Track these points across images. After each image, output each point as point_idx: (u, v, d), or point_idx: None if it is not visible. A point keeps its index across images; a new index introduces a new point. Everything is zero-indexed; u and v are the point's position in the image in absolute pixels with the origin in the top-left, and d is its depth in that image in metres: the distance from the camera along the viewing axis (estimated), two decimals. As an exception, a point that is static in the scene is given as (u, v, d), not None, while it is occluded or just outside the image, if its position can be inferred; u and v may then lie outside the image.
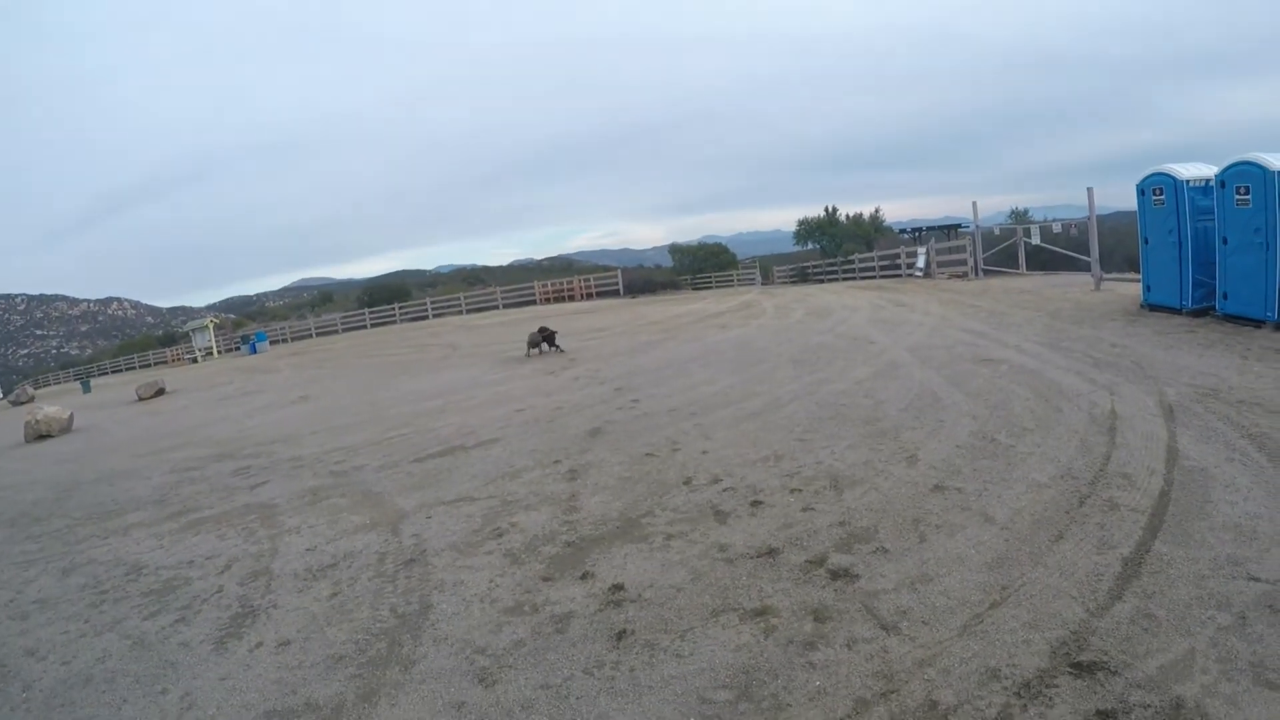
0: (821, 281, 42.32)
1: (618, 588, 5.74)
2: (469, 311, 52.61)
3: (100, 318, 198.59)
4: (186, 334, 64.30)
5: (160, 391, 28.67)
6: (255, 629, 5.96)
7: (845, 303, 24.58)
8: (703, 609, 5.26)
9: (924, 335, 15.52)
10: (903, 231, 50.98)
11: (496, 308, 52.51)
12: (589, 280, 55.25)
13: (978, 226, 29.69)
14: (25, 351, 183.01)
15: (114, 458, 15.14)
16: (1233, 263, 12.94)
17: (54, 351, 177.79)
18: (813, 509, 6.78)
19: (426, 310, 55.11)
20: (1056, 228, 24.62)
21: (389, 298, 63.84)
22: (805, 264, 50.44)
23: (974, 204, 29.69)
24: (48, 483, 13.39)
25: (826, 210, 62.06)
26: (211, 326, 60.22)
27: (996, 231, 30.29)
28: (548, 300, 52.06)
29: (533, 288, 54.70)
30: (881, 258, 38.81)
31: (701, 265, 58.93)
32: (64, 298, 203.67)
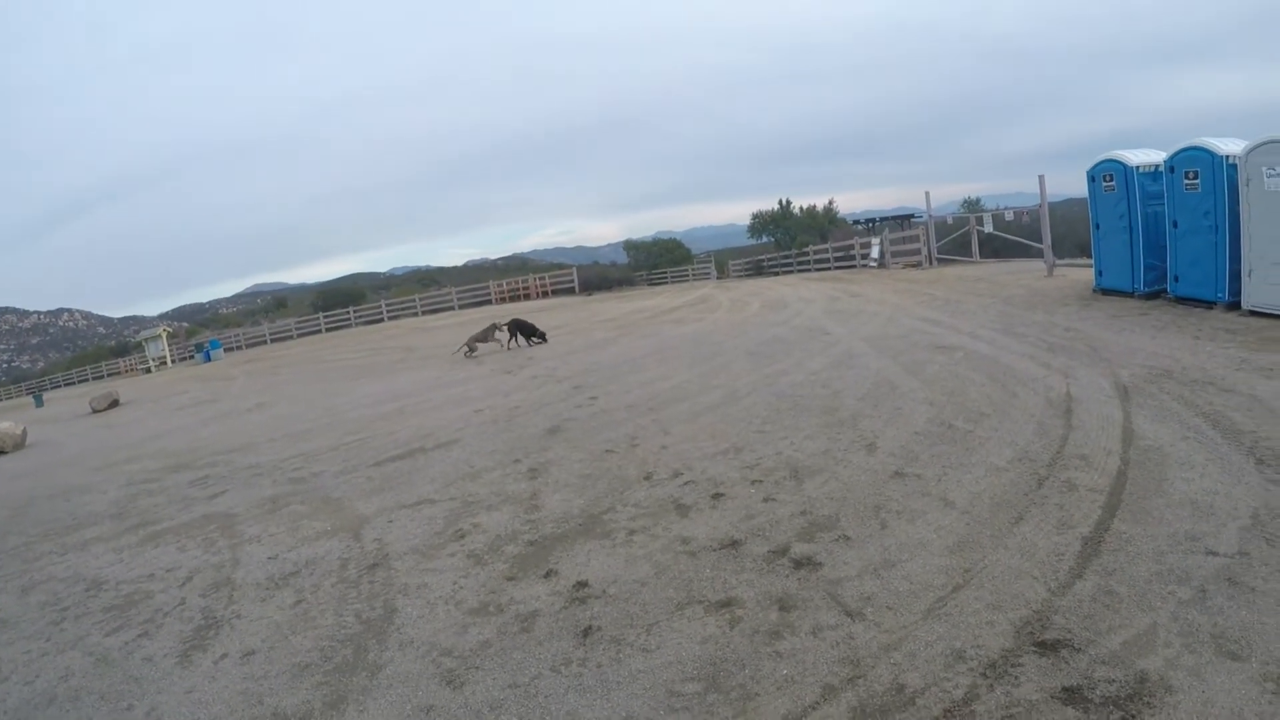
0: (777, 274, 42.51)
1: (582, 585, 5.73)
2: (425, 313, 52.55)
3: (51, 330, 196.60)
4: (139, 344, 63.70)
5: (114, 403, 28.40)
6: (219, 640, 5.89)
7: (800, 295, 24.70)
8: (668, 603, 5.27)
9: (879, 325, 15.62)
10: (857, 223, 51.21)
11: (452, 308, 52.48)
12: (544, 279, 55.34)
13: (931, 216, 29.93)
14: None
15: (70, 472, 14.95)
16: (1183, 246, 13.16)
17: (4, 365, 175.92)
18: (774, 499, 6.80)
19: (382, 313, 54.97)
20: (1009, 215, 24.81)
21: (344, 301, 63.63)
22: (760, 257, 50.59)
23: (926, 194, 29.91)
24: (2, 500, 13.20)
25: (780, 203, 62.29)
26: (165, 336, 59.67)
27: (949, 220, 30.53)
28: (503, 300, 52.08)
29: (488, 287, 54.65)
30: (836, 249, 39.02)
31: (656, 261, 59.08)
32: (13, 310, 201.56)
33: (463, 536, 7.13)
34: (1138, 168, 14.36)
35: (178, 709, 5.01)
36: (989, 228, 25.52)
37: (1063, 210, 32.03)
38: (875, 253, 32.70)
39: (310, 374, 26.38)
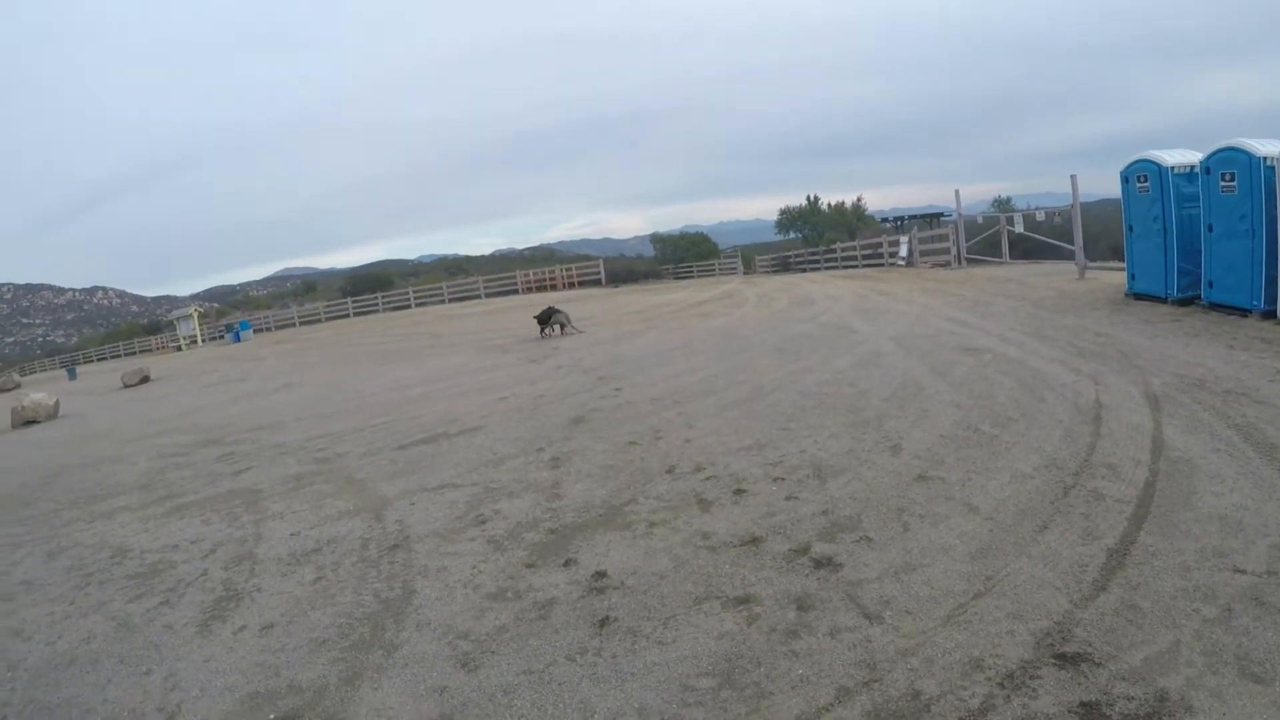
0: (804, 271, 42.42)
1: (600, 575, 5.73)
2: (451, 301, 52.70)
3: (86, 306, 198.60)
4: (171, 323, 64.24)
5: (145, 379, 28.55)
6: (239, 612, 5.93)
7: (828, 292, 24.63)
8: (686, 597, 5.26)
9: (907, 324, 15.55)
10: (885, 220, 51.18)
11: (479, 297, 52.56)
12: (571, 270, 55.37)
13: (960, 215, 29.73)
14: (11, 339, 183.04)
15: (99, 443, 15.07)
16: (1218, 250, 12.92)
17: (40, 339, 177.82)
18: (796, 498, 6.78)
19: (409, 299, 55.17)
20: (1040, 216, 24.62)
21: (372, 287, 63.87)
22: (787, 253, 50.52)
23: (956, 192, 29.74)
24: (33, 468, 13.32)
25: (809, 199, 62.36)
26: (196, 315, 60.07)
27: (979, 220, 30.34)
28: (529, 290, 52.09)
29: (515, 277, 54.72)
30: (864, 247, 38.92)
31: (683, 255, 59.05)
32: (50, 287, 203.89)
33: (483, 522, 7.14)
34: (1173, 168, 14.13)
35: (195, 676, 5.05)
36: (1020, 228, 25.35)
37: (1095, 211, 31.80)
38: (903, 251, 32.59)
39: (338, 357, 26.48)
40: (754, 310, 22.20)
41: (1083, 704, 3.77)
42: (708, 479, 7.58)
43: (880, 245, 36.36)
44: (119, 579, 7.01)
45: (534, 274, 55.38)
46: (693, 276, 51.26)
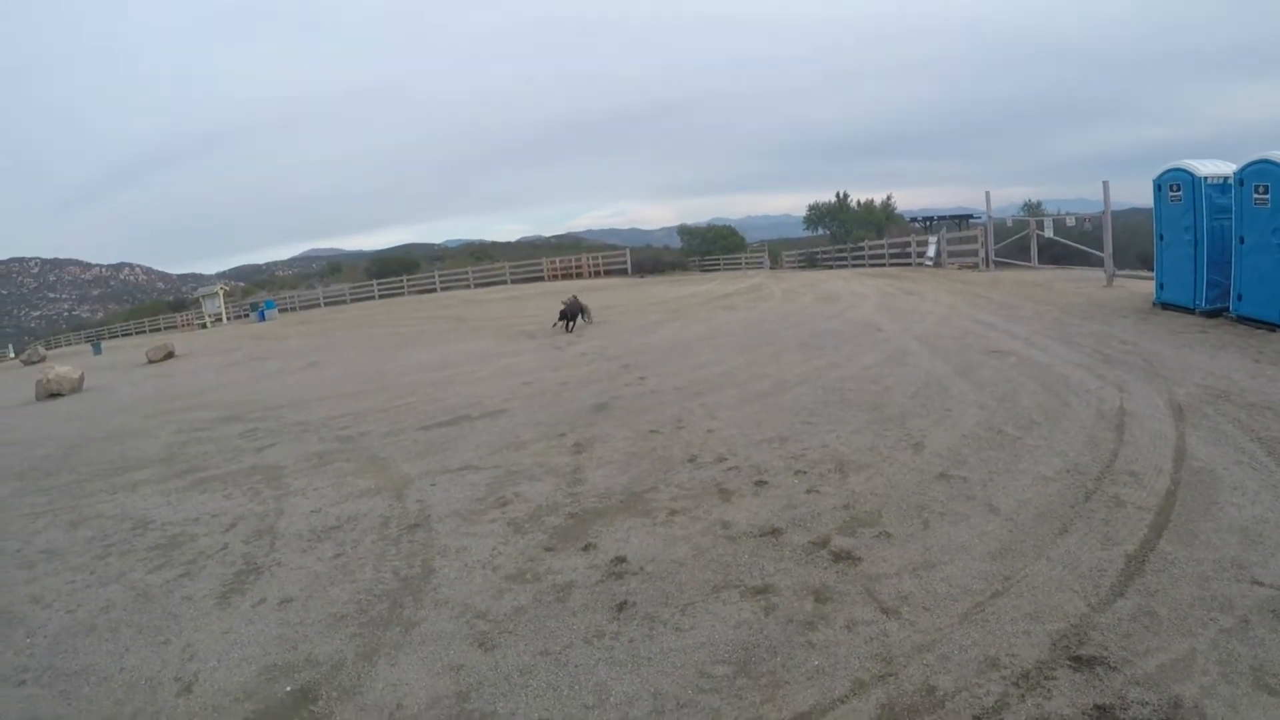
0: (830, 267, 42.26)
1: (620, 560, 5.76)
2: (476, 286, 52.68)
3: (112, 282, 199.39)
4: (197, 300, 64.42)
5: (170, 355, 28.69)
6: (258, 586, 5.99)
7: (854, 289, 24.56)
8: (704, 584, 5.28)
9: (933, 324, 15.49)
10: (914, 220, 50.89)
11: (504, 283, 52.53)
12: (597, 258, 55.23)
13: (990, 217, 29.58)
14: (37, 314, 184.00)
15: (123, 417, 15.19)
16: (1249, 263, 12.78)
17: (66, 314, 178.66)
18: (817, 491, 6.79)
19: (434, 283, 55.17)
20: (1070, 221, 24.48)
21: (397, 270, 63.98)
22: (814, 249, 50.39)
23: (987, 194, 29.52)
24: (58, 439, 13.43)
25: (838, 196, 62.08)
26: (221, 294, 60.31)
27: (1009, 223, 30.18)
28: (555, 277, 52.06)
29: (541, 264, 54.67)
30: (892, 245, 38.69)
31: (710, 247, 58.89)
32: (77, 262, 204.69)
33: (504, 504, 7.18)
34: (1206, 179, 13.93)
35: (213, 647, 5.11)
36: (1049, 232, 25.21)
37: (1125, 219, 31.58)
38: (931, 252, 32.45)
39: (362, 338, 26.57)
40: (779, 305, 22.15)
41: (1097, 707, 3.77)
42: (729, 469, 7.59)
43: (908, 245, 36.15)
44: (140, 550, 7.08)
45: (560, 261, 55.25)
46: (719, 269, 51.00)
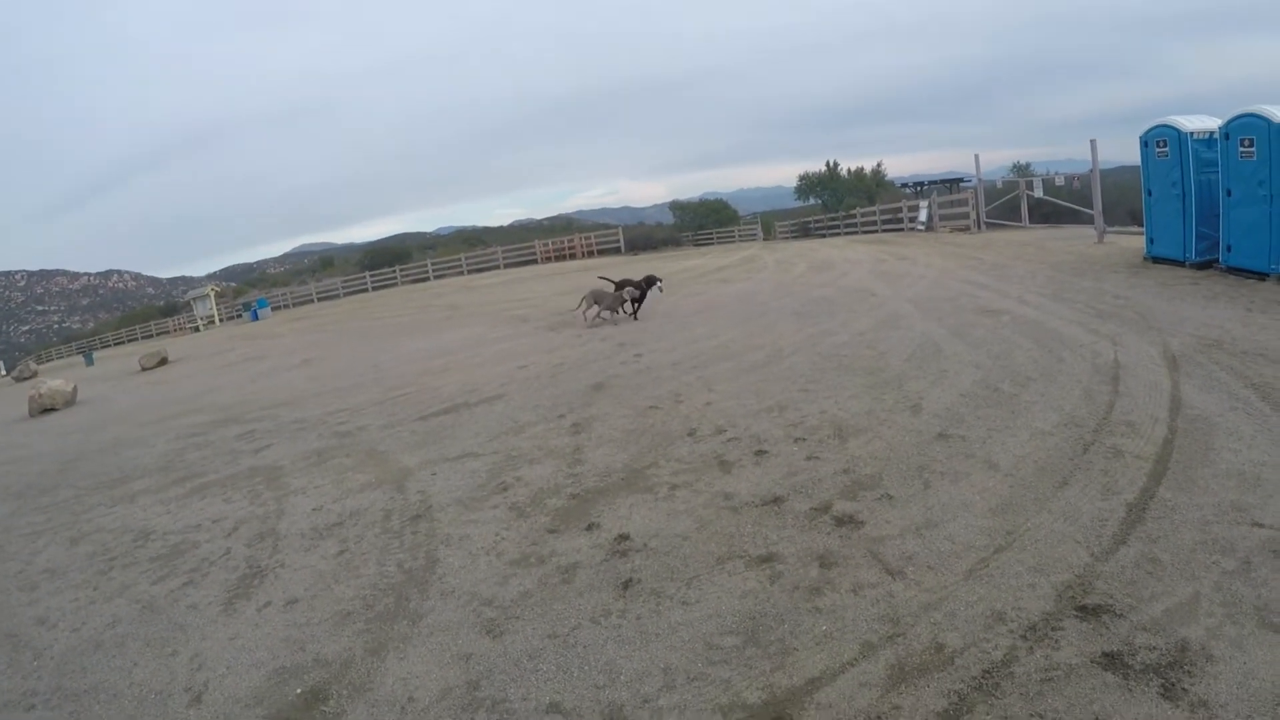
0: (823, 236, 42.32)
1: (623, 538, 5.77)
2: (470, 272, 52.58)
3: (101, 291, 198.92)
4: (188, 303, 64.19)
5: (163, 361, 28.61)
6: (263, 589, 5.98)
7: (847, 256, 24.60)
8: (708, 557, 5.29)
9: (926, 287, 15.53)
10: (904, 186, 50.90)
11: (498, 267, 52.44)
12: (590, 238, 55.12)
13: (980, 180, 29.62)
14: (26, 328, 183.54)
15: (119, 427, 15.13)
16: (1236, 215, 12.91)
17: (55, 326, 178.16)
18: (817, 458, 6.82)
19: (428, 272, 55.06)
20: (1059, 181, 24.49)
21: (390, 260, 63.80)
22: (807, 219, 50.36)
23: (976, 157, 29.63)
24: (53, 454, 13.38)
25: (828, 165, 61.98)
26: (213, 295, 60.03)
27: (999, 185, 30.21)
28: (549, 259, 51.97)
29: (534, 247, 54.57)
30: (883, 212, 38.77)
31: (703, 222, 58.92)
32: (64, 272, 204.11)
33: (505, 489, 7.18)
34: (1192, 134, 14.03)
35: (221, 655, 5.09)
36: (1039, 192, 25.22)
37: (1114, 177, 31.56)
38: (923, 216, 32.47)
39: (356, 331, 26.52)
40: (773, 275, 22.17)
41: (1105, 654, 3.80)
42: (729, 441, 7.61)
43: (900, 210, 36.19)
44: (142, 562, 7.06)
45: (553, 243, 55.05)
46: (712, 243, 51.05)
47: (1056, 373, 8.34)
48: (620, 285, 17.42)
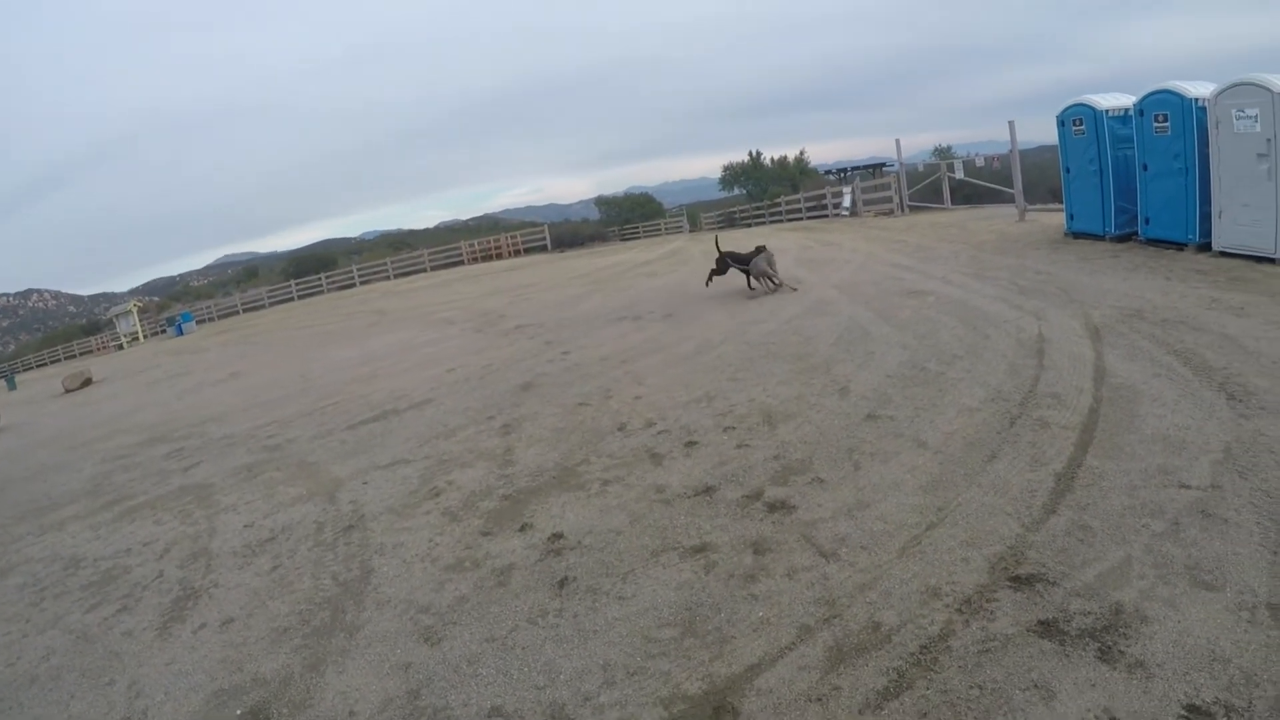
0: (749, 226, 42.45)
1: (557, 536, 5.74)
2: (396, 276, 52.15)
3: (20, 311, 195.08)
4: (111, 320, 63.16)
5: (88, 381, 28.12)
6: (198, 610, 5.88)
7: (773, 245, 24.68)
8: (643, 550, 5.29)
9: (851, 272, 15.63)
10: (828, 172, 51.26)
11: (424, 270, 52.08)
12: (516, 237, 54.91)
13: (902, 164, 29.92)
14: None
15: (44, 452, 14.84)
16: (1154, 188, 13.20)
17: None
18: (747, 445, 6.85)
19: (354, 278, 54.54)
20: (979, 162, 24.82)
21: (315, 268, 63.12)
22: (733, 209, 50.53)
23: (897, 142, 29.89)
24: (-26, 485, 13.13)
25: (751, 155, 62.16)
26: (135, 311, 59.05)
27: (920, 168, 30.56)
28: (475, 260, 51.68)
29: (460, 248, 54.26)
30: (808, 199, 38.91)
31: (628, 216, 59.00)
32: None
33: (437, 494, 7.13)
34: (1107, 111, 14.37)
35: (159, 680, 5.00)
36: (960, 174, 25.53)
37: (1034, 156, 32.05)
38: (847, 202, 32.72)
39: (283, 342, 26.25)
40: (700, 266, 22.20)
41: (1040, 622, 3.85)
42: (659, 433, 7.63)
43: (824, 197, 36.34)
44: (74, 590, 6.92)
45: (478, 244, 54.65)
46: (639, 237, 51.04)
47: (982, 350, 8.43)
48: (725, 257, 16.12)
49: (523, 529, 6.01)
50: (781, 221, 38.89)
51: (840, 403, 7.55)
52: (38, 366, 68.85)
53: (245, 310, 55.50)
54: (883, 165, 40.77)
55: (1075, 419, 6.22)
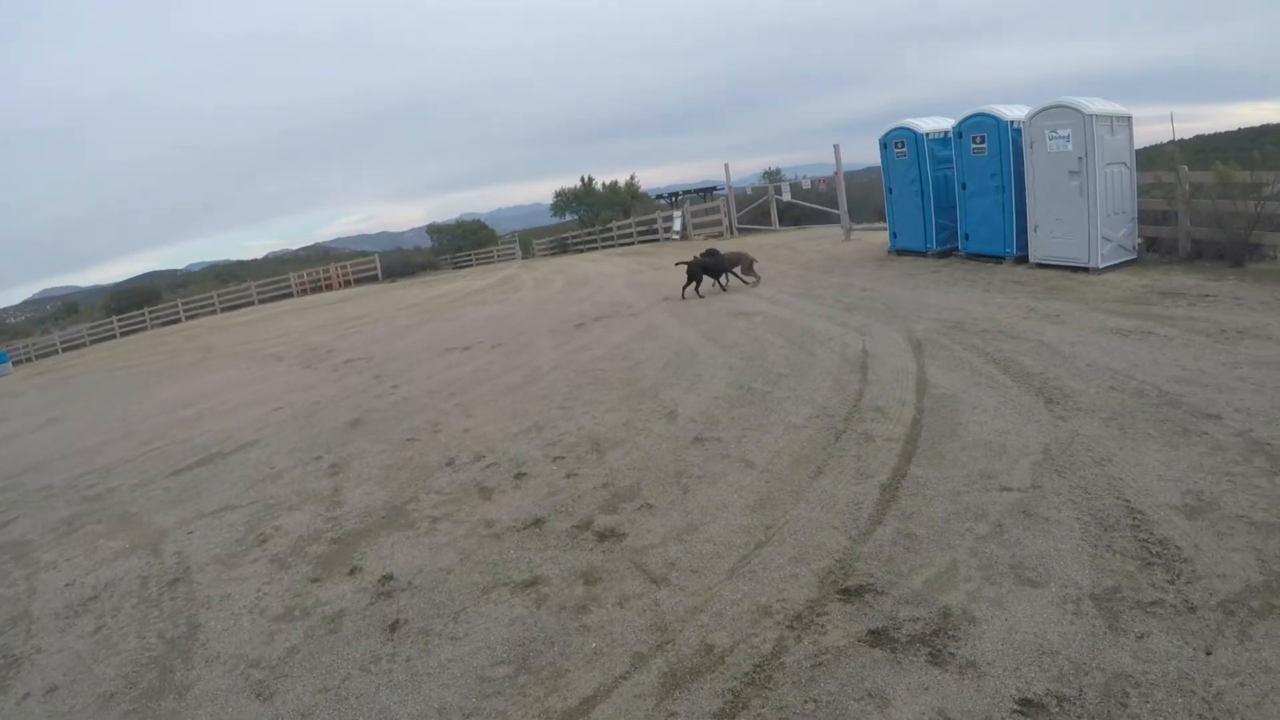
0: (581, 251, 42.67)
1: (387, 578, 5.63)
2: (224, 310, 50.94)
3: None
4: (-87, 366, 60.41)
5: (-111, 435, 26.83)
6: (20, 679, 5.58)
7: (603, 270, 24.88)
8: (474, 588, 5.22)
9: (680, 295, 15.71)
10: (659, 197, 51.75)
11: (252, 303, 51.04)
12: (346, 267, 54.16)
13: (731, 188, 30.48)
14: None
15: None
16: (972, 206, 13.93)
17: None
18: (576, 474, 6.85)
19: (179, 313, 53.10)
20: (806, 184, 25.42)
21: (138, 303, 61.08)
22: (565, 235, 50.77)
23: (726, 166, 30.58)
24: None
25: (583, 180, 62.44)
26: (-57, 355, 56.64)
27: (749, 191, 31.11)
28: (305, 291, 50.84)
29: (289, 280, 53.31)
30: (639, 224, 39.29)
31: (460, 244, 58.83)
32: None
33: (264, 541, 6.93)
34: (928, 134, 15.05)
35: (-15, 759, 4.78)
36: (787, 196, 26.12)
37: (861, 178, 32.91)
38: (677, 225, 33.15)
39: (104, 383, 25.34)
40: (531, 294, 22.23)
41: (871, 632, 3.93)
42: (488, 467, 7.57)
43: (655, 221, 36.78)
44: (-118, 674, 6.59)
45: (308, 275, 53.68)
46: (471, 265, 50.93)
47: (808, 367, 8.60)
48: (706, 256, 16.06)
49: (352, 572, 5.87)
50: (614, 246, 39.17)
51: (668, 427, 7.61)
52: None
53: (65, 349, 53.45)
54: (713, 189, 41.32)
55: (899, 430, 6.39)
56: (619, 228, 41.63)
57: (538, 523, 6.00)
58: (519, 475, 7.12)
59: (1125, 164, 11.95)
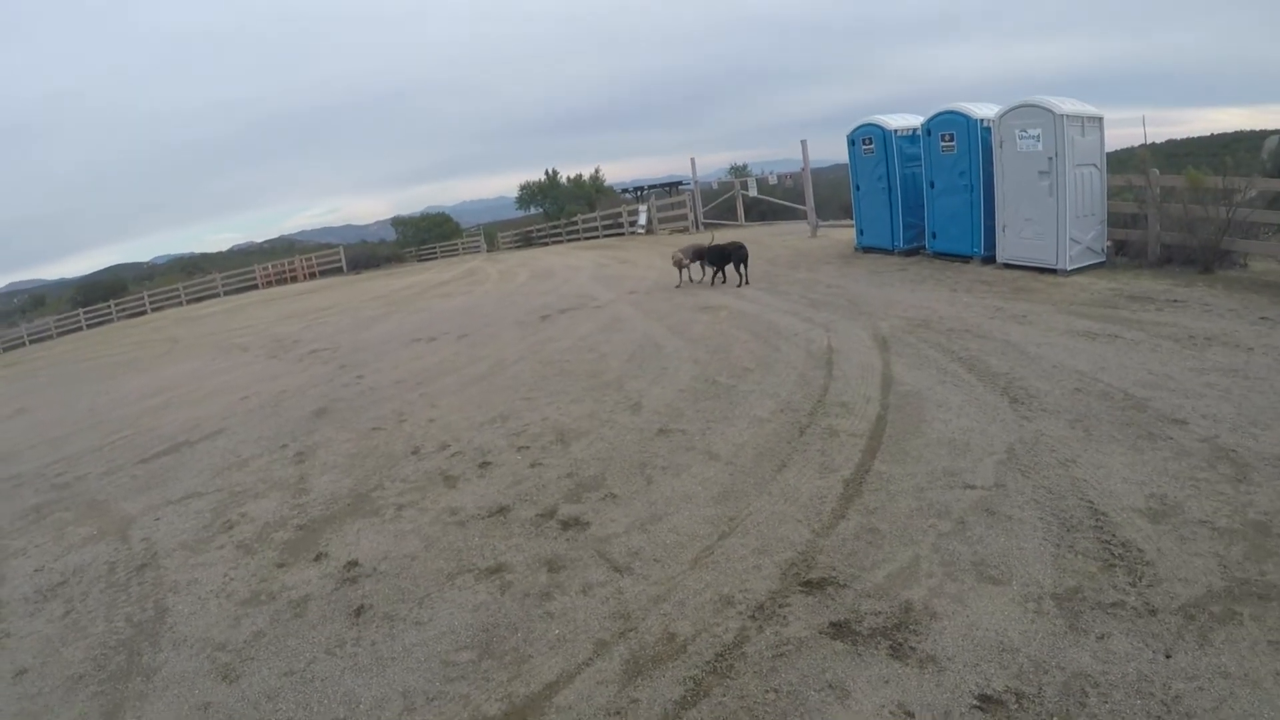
0: (546, 244, 42.60)
1: (352, 564, 5.66)
2: (189, 302, 50.55)
3: None
4: (-119, 360, 59.80)
5: None
6: (-11, 664, 5.63)
7: (568, 263, 24.86)
8: (438, 574, 5.26)
9: (646, 289, 15.86)
10: (624, 191, 51.69)
11: (218, 295, 50.68)
12: (311, 259, 53.84)
13: (697, 182, 30.38)
14: None
15: None
16: (940, 204, 13.94)
17: None
18: (541, 464, 6.90)
19: (145, 305, 52.67)
20: (773, 180, 25.44)
21: (105, 295, 60.60)
22: (529, 228, 50.63)
23: (692, 160, 30.38)
24: None
25: (548, 174, 62.27)
26: (-91, 349, 56.12)
27: (715, 186, 31.08)
28: (269, 283, 50.52)
29: (254, 272, 52.98)
30: (604, 217, 39.20)
31: (425, 236, 58.68)
32: None
33: (231, 527, 6.93)
34: (896, 131, 15.02)
35: (-47, 742, 4.78)
36: (753, 192, 26.13)
37: (828, 174, 32.96)
38: (642, 220, 33.07)
39: (72, 374, 25.15)
40: (496, 286, 22.19)
41: (832, 624, 3.99)
42: (453, 455, 7.60)
43: (620, 215, 36.71)
44: None
45: (273, 267, 53.30)
46: (436, 258, 50.72)
47: (773, 362, 8.66)
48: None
49: (318, 558, 5.89)
50: (579, 239, 39.12)
51: (633, 419, 7.66)
52: None
53: (32, 341, 52.94)
54: (679, 184, 41.29)
55: (863, 426, 6.46)
56: (584, 221, 41.56)
57: (502, 511, 6.04)
58: (484, 464, 7.16)
59: (1096, 165, 12.00)
